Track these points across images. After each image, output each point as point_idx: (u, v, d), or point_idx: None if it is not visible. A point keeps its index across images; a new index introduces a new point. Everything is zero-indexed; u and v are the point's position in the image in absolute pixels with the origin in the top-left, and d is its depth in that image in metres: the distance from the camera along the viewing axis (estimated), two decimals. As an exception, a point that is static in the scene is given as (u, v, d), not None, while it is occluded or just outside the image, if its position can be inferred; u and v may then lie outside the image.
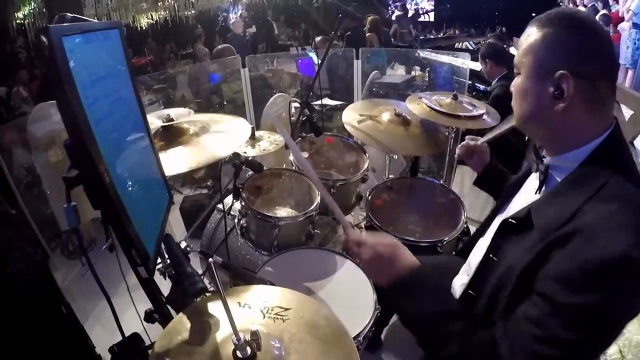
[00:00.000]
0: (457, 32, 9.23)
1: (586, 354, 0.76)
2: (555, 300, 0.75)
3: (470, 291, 1.07)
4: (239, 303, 0.97)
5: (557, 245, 0.78)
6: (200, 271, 1.49)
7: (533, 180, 1.04)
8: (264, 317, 0.93)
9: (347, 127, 2.02)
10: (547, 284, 0.77)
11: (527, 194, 1.04)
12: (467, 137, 1.59)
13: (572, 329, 0.73)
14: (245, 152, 1.95)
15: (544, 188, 0.96)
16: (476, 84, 4.13)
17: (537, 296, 0.78)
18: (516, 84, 0.95)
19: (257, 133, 2.12)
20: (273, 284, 1.16)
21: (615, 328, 0.78)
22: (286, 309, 0.94)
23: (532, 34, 0.89)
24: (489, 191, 1.53)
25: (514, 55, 0.96)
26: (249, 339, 0.79)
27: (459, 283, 1.24)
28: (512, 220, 0.96)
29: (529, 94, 0.91)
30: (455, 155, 1.65)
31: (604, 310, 0.73)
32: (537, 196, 0.97)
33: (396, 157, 2.71)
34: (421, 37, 7.16)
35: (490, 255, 1.01)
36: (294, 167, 1.95)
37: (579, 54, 0.84)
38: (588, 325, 0.73)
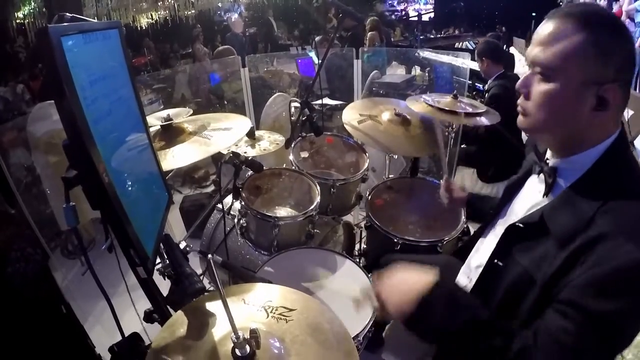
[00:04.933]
0: (457, 31, 9.21)
1: (610, 353, 0.78)
2: (588, 309, 0.75)
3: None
4: (244, 300, 0.97)
5: (583, 253, 0.77)
6: (200, 271, 1.49)
7: (535, 183, 1.02)
8: (268, 316, 0.92)
9: (347, 127, 2.02)
10: (577, 292, 0.76)
11: (531, 197, 1.02)
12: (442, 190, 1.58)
13: (604, 335, 0.74)
14: (245, 152, 1.94)
15: (551, 191, 0.94)
16: (476, 84, 4.13)
17: (568, 306, 0.77)
18: (544, 89, 0.85)
19: (257, 133, 2.11)
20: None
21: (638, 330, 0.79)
22: (290, 310, 0.94)
23: (573, 34, 0.79)
24: (479, 221, 1.44)
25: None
26: (248, 337, 0.79)
27: (461, 285, 1.24)
28: (520, 225, 0.94)
29: (564, 103, 0.83)
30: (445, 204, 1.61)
31: (636, 314, 0.74)
32: (546, 200, 0.95)
33: (396, 157, 2.71)
34: (421, 37, 7.15)
35: (495, 261, 1.00)
36: (293, 167, 1.95)
37: (625, 63, 0.80)
38: (620, 330, 0.74)
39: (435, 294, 0.85)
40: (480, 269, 1.10)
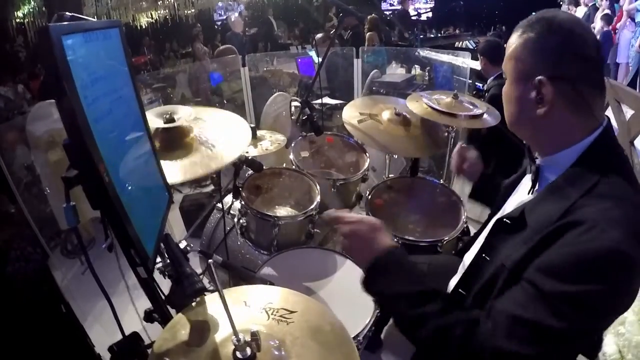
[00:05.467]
0: (457, 31, 9.21)
1: (565, 342, 0.76)
2: (542, 288, 0.75)
3: (460, 290, 1.07)
4: (245, 302, 0.97)
5: (550, 239, 0.79)
6: (200, 270, 1.49)
7: (527, 182, 1.05)
8: (268, 317, 0.92)
9: (347, 127, 2.02)
10: (535, 273, 0.78)
11: (521, 195, 1.05)
12: (457, 146, 1.57)
13: (555, 316, 0.73)
14: (247, 152, 1.94)
15: (536, 188, 0.98)
16: (476, 83, 4.12)
17: (525, 282, 0.79)
18: (504, 89, 0.97)
19: (258, 132, 2.11)
20: (273, 284, 1.16)
21: (598, 320, 0.78)
22: (291, 312, 0.94)
23: (514, 40, 0.92)
24: (485, 202, 1.48)
25: None
26: (249, 339, 0.79)
27: (455, 283, 1.24)
28: (507, 220, 0.96)
29: (514, 99, 0.94)
30: (451, 168, 1.61)
31: (590, 301, 0.73)
32: (530, 196, 0.98)
33: (396, 156, 2.71)
34: (421, 36, 7.15)
35: (483, 255, 1.01)
36: (293, 167, 1.95)
37: (557, 58, 0.85)
38: (572, 315, 0.73)
39: (387, 260, 0.92)
40: None
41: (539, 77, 0.86)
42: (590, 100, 0.87)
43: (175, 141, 1.49)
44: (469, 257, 1.20)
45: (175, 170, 1.38)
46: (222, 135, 1.56)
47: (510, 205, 1.08)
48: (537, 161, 0.98)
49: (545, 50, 0.86)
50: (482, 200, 1.50)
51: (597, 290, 0.73)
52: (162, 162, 1.38)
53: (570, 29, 0.85)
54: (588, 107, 0.87)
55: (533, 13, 0.93)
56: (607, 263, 0.73)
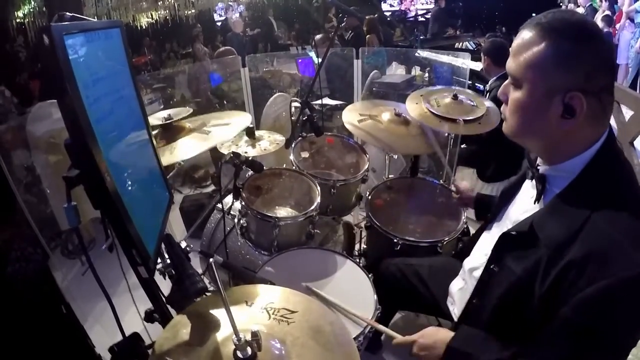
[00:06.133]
0: (457, 32, 9.21)
1: None
2: (583, 326, 0.76)
3: (474, 300, 1.07)
4: (246, 302, 0.97)
5: (574, 268, 0.78)
6: (200, 271, 1.49)
7: (529, 188, 1.02)
8: (269, 317, 0.92)
9: (348, 126, 2.02)
10: (573, 311, 0.78)
11: (524, 203, 1.03)
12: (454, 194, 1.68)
13: (601, 350, 0.76)
14: (245, 152, 1.94)
15: (542, 198, 0.95)
16: (476, 84, 4.12)
17: (565, 324, 0.79)
18: (515, 97, 0.88)
19: (257, 133, 2.11)
20: (273, 284, 1.16)
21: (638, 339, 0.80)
22: (292, 312, 0.94)
23: (535, 44, 0.81)
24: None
25: None
26: (250, 339, 0.79)
27: (457, 287, 1.24)
28: (513, 232, 0.96)
29: (532, 111, 0.86)
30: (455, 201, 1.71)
31: (632, 327, 0.76)
32: (536, 206, 0.96)
33: (396, 157, 2.70)
34: (421, 37, 7.15)
35: (492, 266, 1.01)
36: (294, 167, 1.95)
37: (592, 71, 0.79)
38: (616, 343, 0.76)
39: (455, 346, 1.01)
40: (474, 272, 1.12)
41: (574, 92, 0.79)
42: (607, 110, 0.84)
43: (174, 135, 1.61)
44: (469, 263, 1.19)
45: (173, 153, 1.50)
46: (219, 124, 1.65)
47: (513, 214, 1.06)
48: (541, 169, 0.95)
49: (580, 63, 0.78)
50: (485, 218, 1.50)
51: (637, 315, 0.75)
52: (161, 149, 1.44)
53: (601, 36, 0.80)
54: (605, 116, 0.84)
55: (533, 14, 0.87)
56: None
